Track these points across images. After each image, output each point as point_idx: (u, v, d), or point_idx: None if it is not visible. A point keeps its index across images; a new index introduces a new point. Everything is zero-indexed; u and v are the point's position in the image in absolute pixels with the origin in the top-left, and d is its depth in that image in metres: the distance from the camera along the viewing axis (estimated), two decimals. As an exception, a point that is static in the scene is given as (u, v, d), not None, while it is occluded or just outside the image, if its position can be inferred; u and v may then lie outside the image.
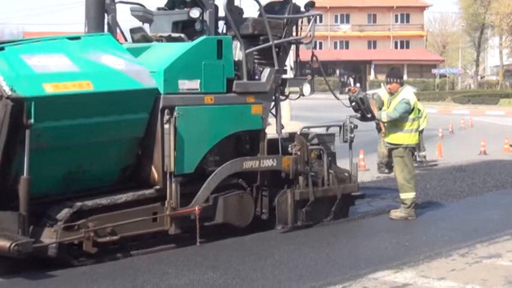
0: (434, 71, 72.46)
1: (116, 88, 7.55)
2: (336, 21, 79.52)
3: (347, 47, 78.95)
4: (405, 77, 70.89)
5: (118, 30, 9.02)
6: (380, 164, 15.15)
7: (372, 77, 72.36)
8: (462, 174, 14.62)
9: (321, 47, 78.67)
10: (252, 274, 7.17)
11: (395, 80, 10.18)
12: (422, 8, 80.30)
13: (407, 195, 10.03)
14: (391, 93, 10.25)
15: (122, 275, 7.13)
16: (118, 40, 8.96)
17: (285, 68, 9.69)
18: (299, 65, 9.93)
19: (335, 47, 79.07)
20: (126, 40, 9.35)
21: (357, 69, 76.24)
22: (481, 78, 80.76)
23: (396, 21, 79.67)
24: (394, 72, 10.54)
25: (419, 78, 72.81)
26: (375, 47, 79.11)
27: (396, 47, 79.24)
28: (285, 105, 29.30)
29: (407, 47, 79.22)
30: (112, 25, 8.83)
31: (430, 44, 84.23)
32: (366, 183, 13.46)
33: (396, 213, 10.07)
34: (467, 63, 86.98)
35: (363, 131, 15.75)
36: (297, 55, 9.97)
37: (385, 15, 78.85)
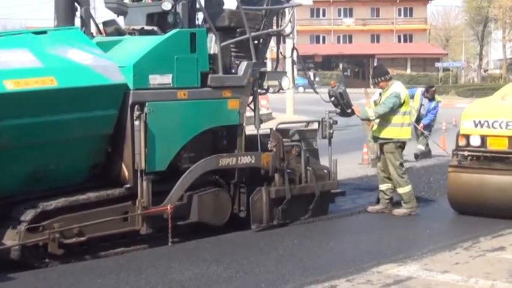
0: (437, 64, 72.04)
1: (81, 84, 7.30)
2: (339, 15, 79.14)
3: (350, 41, 78.64)
4: (408, 71, 70.82)
5: (92, 23, 8.78)
6: (374, 160, 14.92)
7: (375, 71, 71.95)
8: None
9: (324, 41, 78.52)
10: (256, 268, 7.13)
11: (381, 79, 9.98)
12: (425, 2, 79.87)
13: (404, 190, 9.86)
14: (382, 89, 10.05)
15: (126, 269, 7.08)
16: (92, 34, 8.75)
17: (265, 61, 9.42)
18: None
19: (338, 41, 78.76)
20: (101, 33, 9.09)
21: (360, 63, 75.97)
22: (484, 71, 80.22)
23: (399, 15, 79.26)
24: (377, 71, 10.32)
25: (423, 72, 72.45)
26: (378, 41, 78.74)
27: (399, 41, 78.86)
28: (288, 100, 29.26)
29: (411, 40, 78.83)
30: (85, 18, 8.58)
31: (433, 38, 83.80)
32: (370, 177, 13.38)
33: (399, 211, 9.89)
34: (471, 57, 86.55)
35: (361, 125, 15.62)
36: (278, 48, 9.70)
37: (388, 9, 78.45)
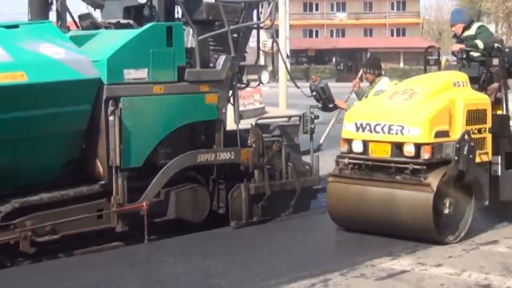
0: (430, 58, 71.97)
1: (53, 79, 7.18)
2: (332, 9, 79.03)
3: (343, 35, 78.49)
4: (401, 65, 70.71)
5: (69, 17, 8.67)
6: None
7: (368, 65, 71.92)
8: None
9: (317, 35, 78.40)
10: (250, 262, 7.15)
11: (370, 71, 9.83)
12: (418, -5, 79.83)
13: None
14: (370, 83, 9.88)
15: (120, 264, 7.12)
16: (68, 27, 8.62)
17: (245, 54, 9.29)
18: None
19: (331, 35, 78.63)
20: (78, 27, 8.95)
21: (353, 57, 75.82)
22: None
23: (392, 8, 79.12)
24: (369, 62, 10.25)
25: (416, 66, 72.13)
26: (371, 35, 78.62)
27: (392, 35, 78.77)
28: (281, 94, 29.16)
29: (404, 34, 78.73)
30: (61, 12, 8.47)
31: (426, 32, 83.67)
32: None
33: None
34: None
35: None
36: (258, 41, 9.56)
37: (381, 3, 78.31)
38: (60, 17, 8.47)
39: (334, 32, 79.08)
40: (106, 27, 8.42)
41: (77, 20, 8.91)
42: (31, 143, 7.22)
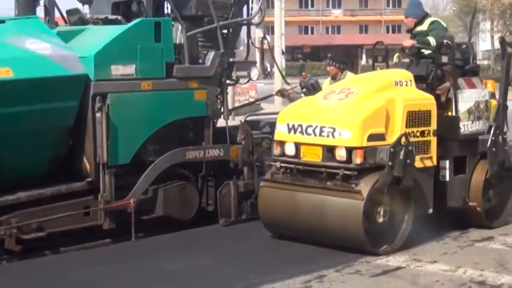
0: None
1: (39, 75, 7.13)
2: (328, 5, 79.05)
3: (338, 32, 78.50)
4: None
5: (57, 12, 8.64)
6: None
7: (363, 61, 71.96)
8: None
9: (312, 32, 78.39)
10: (245, 258, 7.18)
11: (336, 64, 9.36)
12: (414, -8, 79.84)
13: None
14: (333, 78, 9.43)
15: (115, 260, 7.17)
16: (57, 23, 8.57)
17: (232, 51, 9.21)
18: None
19: (327, 32, 78.64)
20: (66, 22, 8.90)
21: (349, 54, 75.80)
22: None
23: (388, 5, 79.21)
24: (337, 57, 9.80)
25: (410, 63, 72.42)
26: (366, 32, 78.64)
27: (388, 32, 78.76)
28: (276, 90, 29.10)
29: (399, 31, 78.46)
30: (49, 7, 8.43)
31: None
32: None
33: None
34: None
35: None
36: (248, 37, 9.50)
37: (376, 0, 78.37)
38: (48, 12, 8.45)
39: (330, 28, 79.09)
40: (94, 23, 8.38)
41: (65, 15, 8.87)
42: (17, 140, 7.16)
